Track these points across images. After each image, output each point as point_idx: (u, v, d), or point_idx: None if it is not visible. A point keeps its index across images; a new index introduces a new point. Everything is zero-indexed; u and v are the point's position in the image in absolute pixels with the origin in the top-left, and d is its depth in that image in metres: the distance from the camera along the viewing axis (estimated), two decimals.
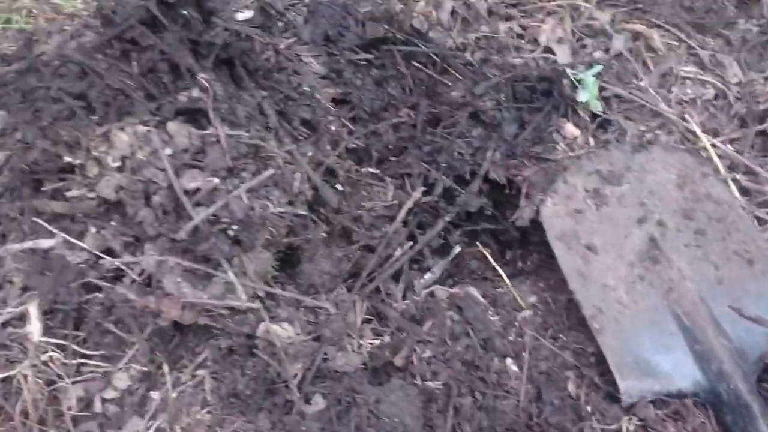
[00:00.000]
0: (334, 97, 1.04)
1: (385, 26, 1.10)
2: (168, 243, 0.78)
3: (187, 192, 0.79)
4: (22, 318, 0.87)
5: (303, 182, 0.88)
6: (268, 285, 0.83)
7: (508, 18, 1.21)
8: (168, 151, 0.81)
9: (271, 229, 0.81)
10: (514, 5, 1.25)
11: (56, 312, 0.83)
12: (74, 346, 0.83)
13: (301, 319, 0.81)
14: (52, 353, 0.82)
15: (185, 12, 0.90)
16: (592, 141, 1.06)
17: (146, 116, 0.85)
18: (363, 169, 1.01)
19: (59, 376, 0.79)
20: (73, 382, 0.80)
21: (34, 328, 0.83)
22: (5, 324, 0.86)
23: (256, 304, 0.78)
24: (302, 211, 0.87)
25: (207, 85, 0.87)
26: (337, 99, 1.04)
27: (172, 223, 0.79)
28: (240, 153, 0.82)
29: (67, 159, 0.83)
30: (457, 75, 1.08)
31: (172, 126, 0.84)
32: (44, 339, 0.83)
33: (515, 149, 1.01)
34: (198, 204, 0.79)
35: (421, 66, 1.09)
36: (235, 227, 0.78)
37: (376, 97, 1.05)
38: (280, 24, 1.07)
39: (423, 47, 1.08)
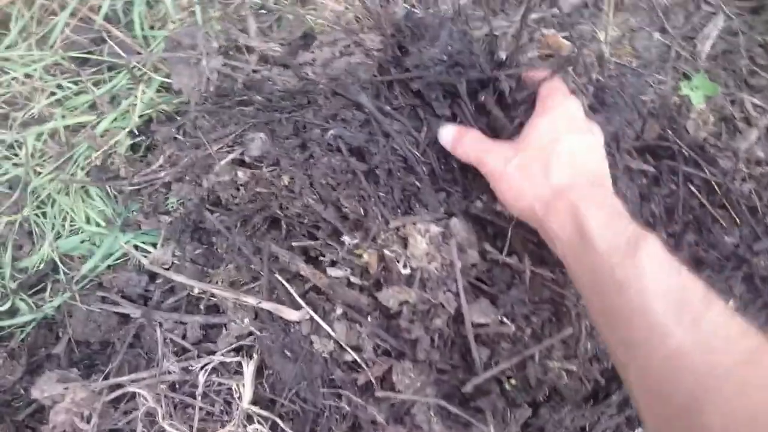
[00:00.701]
0: None
1: (664, 128, 0.96)
2: (434, 373, 0.70)
3: (473, 325, 0.69)
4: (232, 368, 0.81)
5: None
6: None
7: None
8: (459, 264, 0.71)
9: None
10: None
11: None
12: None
13: None
14: (258, 426, 0.76)
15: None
16: None
17: (438, 210, 0.75)
18: None
19: None
20: None
21: (246, 392, 0.77)
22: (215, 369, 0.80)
23: None
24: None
25: None
26: None
27: (445, 352, 0.70)
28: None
29: (344, 238, 0.73)
30: (735, 216, 0.94)
31: (459, 226, 0.74)
32: (255, 409, 0.77)
33: None
34: (481, 342, 0.70)
35: (695, 191, 0.95)
36: (513, 382, 0.70)
37: (638, 212, 0.93)
38: None
39: (707, 171, 0.94)
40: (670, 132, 0.98)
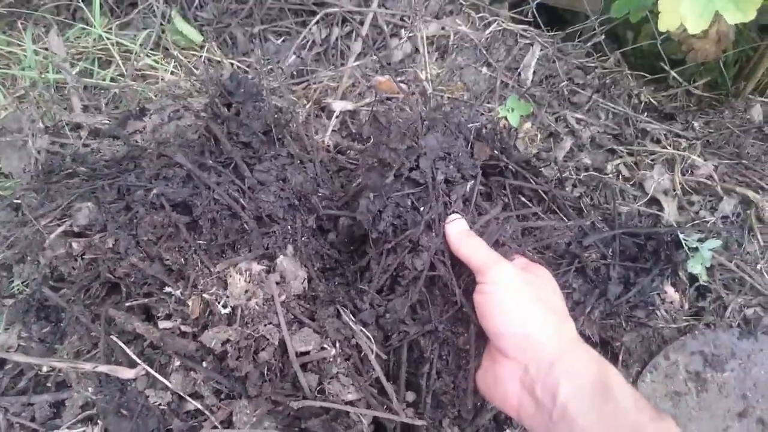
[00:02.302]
0: None
1: (493, 152, 1.04)
2: (268, 405, 0.71)
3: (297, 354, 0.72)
4: None
5: None
6: None
7: (611, 151, 1.17)
8: (281, 297, 0.74)
9: None
10: (615, 136, 1.20)
11: None
12: None
13: None
14: None
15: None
16: (687, 306, 1.02)
17: (260, 249, 0.78)
18: None
19: None
20: None
21: None
22: None
23: None
24: None
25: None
26: None
27: (276, 383, 0.72)
28: None
29: (168, 289, 0.75)
30: (564, 218, 1.02)
31: (285, 263, 0.77)
32: None
33: (616, 310, 0.96)
34: (309, 369, 0.72)
35: (526, 201, 1.03)
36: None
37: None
38: None
39: (533, 182, 1.02)
40: (500, 152, 1.05)
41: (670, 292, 1.01)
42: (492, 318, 0.66)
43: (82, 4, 1.16)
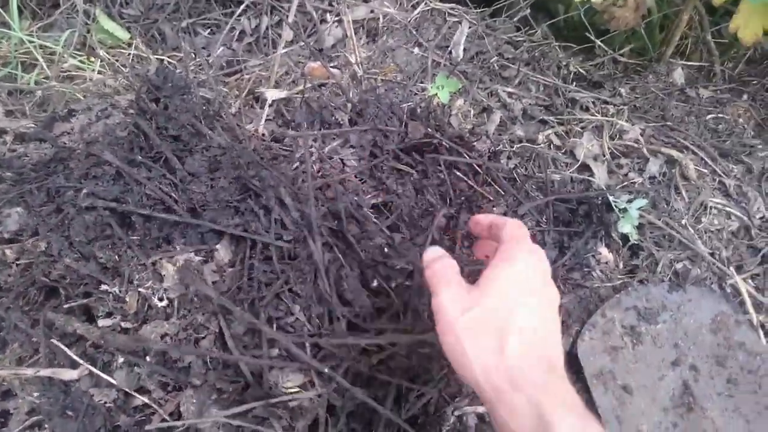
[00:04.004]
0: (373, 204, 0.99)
1: (427, 130, 1.06)
2: (214, 393, 0.72)
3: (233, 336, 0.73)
4: None
5: None
6: None
7: (543, 122, 1.20)
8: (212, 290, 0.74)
9: None
10: (547, 107, 1.24)
11: None
12: None
13: None
14: None
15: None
16: (621, 264, 1.06)
17: (194, 239, 0.78)
18: None
19: None
20: None
21: None
22: None
23: None
24: None
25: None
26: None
27: (220, 371, 0.73)
28: None
29: (104, 287, 0.75)
30: (500, 189, 1.05)
31: (222, 251, 0.78)
32: None
33: (553, 273, 0.99)
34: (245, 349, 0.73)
35: (462, 176, 1.05)
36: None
37: (416, 205, 1.02)
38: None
39: (467, 156, 1.04)
40: (434, 131, 1.08)
41: (604, 252, 1.05)
42: None
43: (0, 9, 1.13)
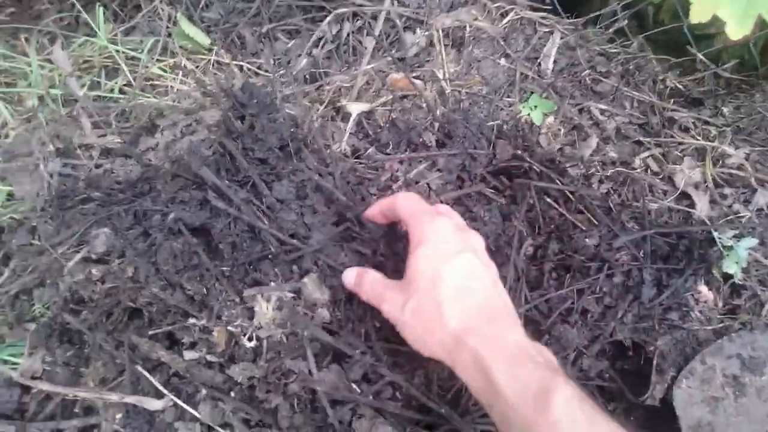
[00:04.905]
0: None
1: (516, 150, 1.01)
2: None
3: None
4: None
5: None
6: None
7: (638, 143, 1.12)
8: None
9: None
10: (641, 126, 1.16)
11: None
12: None
13: None
14: None
15: None
16: (721, 304, 0.99)
17: (286, 274, 0.76)
18: None
19: None
20: None
21: None
22: None
23: None
24: None
25: None
26: None
27: (307, 414, 0.70)
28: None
29: (191, 320, 0.73)
30: (593, 219, 0.98)
31: (310, 287, 0.75)
32: None
33: (649, 313, 0.93)
34: (335, 402, 0.70)
35: (552, 202, 0.99)
36: None
37: (503, 233, 0.96)
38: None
39: (559, 182, 0.98)
40: (522, 151, 1.02)
41: (704, 291, 0.97)
42: None
43: (84, 13, 1.13)
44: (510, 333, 0.62)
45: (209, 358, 0.73)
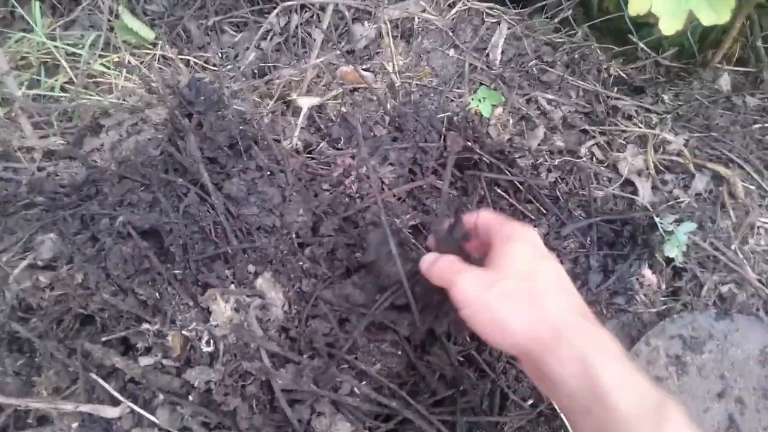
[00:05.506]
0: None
1: (466, 142, 1.02)
2: None
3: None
4: None
5: None
6: None
7: (584, 131, 1.16)
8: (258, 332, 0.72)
9: None
10: (587, 114, 1.19)
11: None
12: None
13: None
14: None
15: None
16: (663, 286, 1.03)
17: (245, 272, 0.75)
18: None
19: None
20: None
21: None
22: None
23: None
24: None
25: None
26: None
27: (267, 414, 0.71)
28: None
29: (145, 326, 0.72)
30: (541, 208, 1.01)
31: (264, 286, 0.75)
32: None
33: (597, 298, 0.97)
34: (294, 401, 0.71)
35: (503, 192, 1.02)
36: None
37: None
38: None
39: (508, 173, 1.01)
40: (473, 143, 1.03)
41: (648, 274, 1.02)
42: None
43: (19, 7, 1.08)
44: (612, 340, 0.57)
45: (165, 362, 0.73)
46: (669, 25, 0.83)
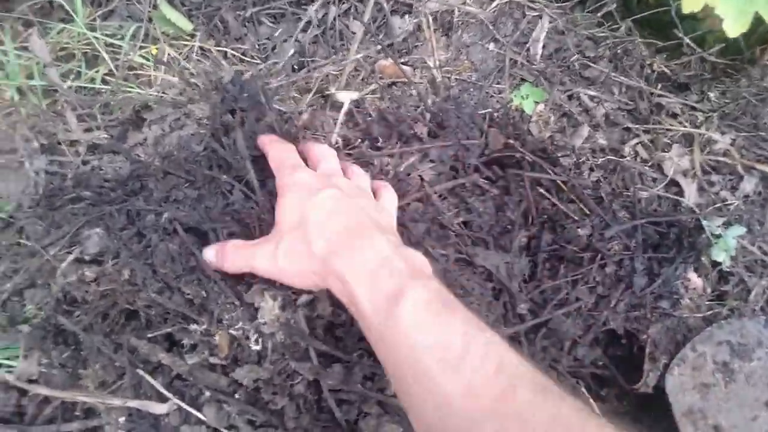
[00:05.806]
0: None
1: (507, 140, 1.00)
2: None
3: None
4: None
5: None
6: None
7: (627, 129, 1.13)
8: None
9: None
10: (630, 112, 1.16)
11: None
12: None
13: None
14: None
15: None
16: (709, 290, 1.01)
17: None
18: None
19: None
20: None
21: None
22: None
23: None
24: None
25: None
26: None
27: (314, 414, 0.71)
28: None
29: (193, 326, 0.72)
30: (584, 208, 0.99)
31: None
32: None
33: (641, 302, 0.95)
34: (341, 401, 0.70)
35: (545, 192, 1.00)
36: None
37: (496, 223, 0.97)
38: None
39: (551, 172, 0.99)
40: (514, 140, 1.02)
41: (694, 278, 1.00)
42: None
43: None
44: (376, 244, 0.63)
45: (212, 360, 0.73)
46: (734, 27, 0.80)
